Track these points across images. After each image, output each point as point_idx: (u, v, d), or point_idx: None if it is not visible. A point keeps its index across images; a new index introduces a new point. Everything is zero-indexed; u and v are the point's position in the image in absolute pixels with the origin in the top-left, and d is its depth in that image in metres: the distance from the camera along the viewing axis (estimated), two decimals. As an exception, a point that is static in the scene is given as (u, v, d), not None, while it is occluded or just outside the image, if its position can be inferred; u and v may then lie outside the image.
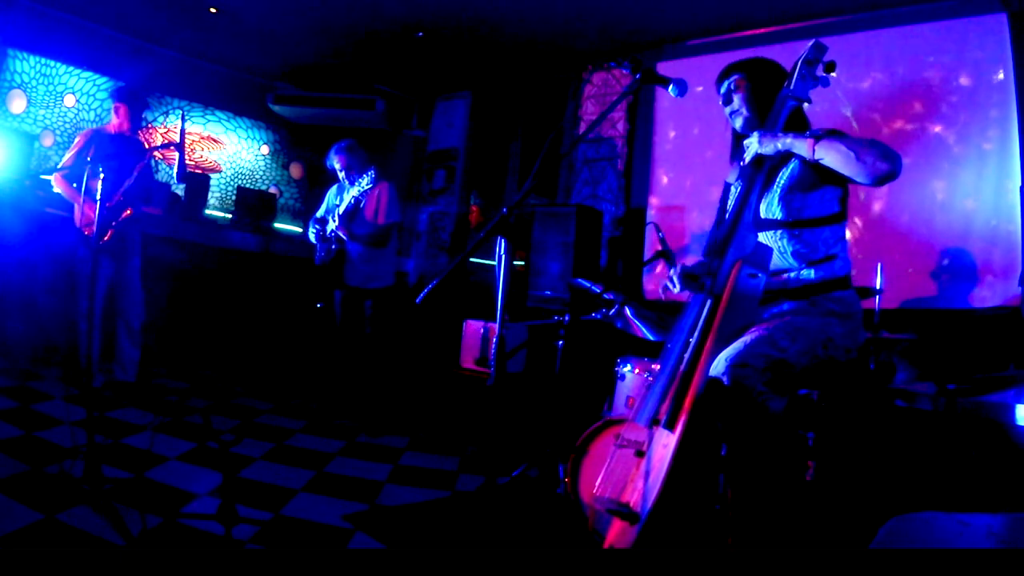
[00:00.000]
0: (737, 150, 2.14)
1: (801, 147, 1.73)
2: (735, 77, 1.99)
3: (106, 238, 3.47)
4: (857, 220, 3.99)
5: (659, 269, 4.69)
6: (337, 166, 3.83)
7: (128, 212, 3.53)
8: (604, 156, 5.42)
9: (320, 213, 3.94)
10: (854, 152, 1.64)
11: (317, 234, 3.85)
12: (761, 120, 1.93)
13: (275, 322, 5.25)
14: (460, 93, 6.58)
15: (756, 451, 1.65)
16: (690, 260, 2.37)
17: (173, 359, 4.64)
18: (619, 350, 2.97)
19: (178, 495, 2.36)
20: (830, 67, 1.85)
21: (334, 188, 3.98)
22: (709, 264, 1.84)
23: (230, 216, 5.72)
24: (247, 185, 6.76)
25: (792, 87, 1.83)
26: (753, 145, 1.81)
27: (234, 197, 6.22)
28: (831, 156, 1.68)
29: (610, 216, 5.25)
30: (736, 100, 1.98)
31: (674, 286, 1.95)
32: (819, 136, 1.71)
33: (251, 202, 6.00)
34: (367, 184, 3.60)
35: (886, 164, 1.62)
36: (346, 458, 3.16)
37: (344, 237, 3.70)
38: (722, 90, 2.02)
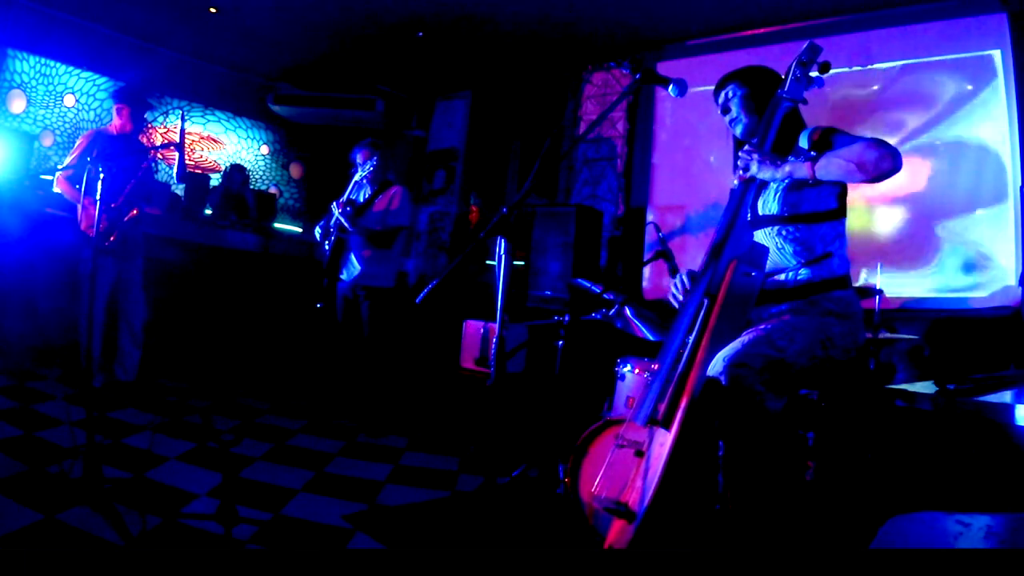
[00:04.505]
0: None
1: (801, 171, 1.73)
2: (731, 86, 2.01)
3: (111, 239, 3.47)
4: (857, 220, 3.99)
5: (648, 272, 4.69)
6: (359, 161, 3.83)
7: (134, 212, 3.53)
8: (604, 156, 5.42)
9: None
10: (854, 163, 1.64)
11: (322, 229, 3.80)
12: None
13: (275, 322, 5.24)
14: (460, 93, 6.58)
15: (753, 450, 1.65)
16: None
17: (173, 359, 4.63)
18: (619, 350, 2.96)
19: (178, 495, 2.36)
20: (824, 67, 1.85)
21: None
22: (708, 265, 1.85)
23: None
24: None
25: (786, 89, 1.84)
26: (752, 168, 1.81)
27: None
28: (833, 174, 1.69)
29: (610, 216, 5.25)
30: (734, 108, 2.00)
31: (680, 291, 1.94)
32: (815, 157, 1.71)
33: (233, 200, 5.95)
34: (370, 168, 3.66)
35: (887, 163, 1.62)
36: (346, 458, 3.16)
37: (346, 225, 3.65)
38: (719, 100, 2.04)
